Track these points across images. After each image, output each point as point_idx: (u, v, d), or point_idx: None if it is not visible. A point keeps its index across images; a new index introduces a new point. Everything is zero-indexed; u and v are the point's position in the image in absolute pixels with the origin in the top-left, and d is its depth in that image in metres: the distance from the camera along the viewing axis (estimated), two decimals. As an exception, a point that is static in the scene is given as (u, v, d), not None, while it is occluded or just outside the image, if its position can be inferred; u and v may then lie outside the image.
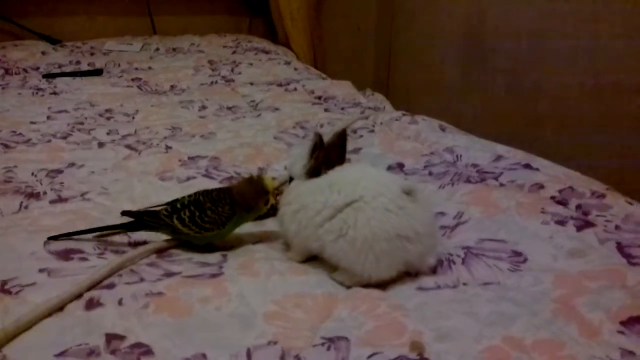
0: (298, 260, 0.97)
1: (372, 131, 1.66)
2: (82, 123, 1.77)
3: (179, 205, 1.00)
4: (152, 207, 1.09)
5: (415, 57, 3.00)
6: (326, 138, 0.99)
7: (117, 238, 1.05)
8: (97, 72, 2.39)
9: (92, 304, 0.82)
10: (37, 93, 2.10)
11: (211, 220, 0.97)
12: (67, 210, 1.16)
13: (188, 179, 1.35)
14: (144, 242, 1.03)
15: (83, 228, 1.07)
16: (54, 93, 2.11)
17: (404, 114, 1.75)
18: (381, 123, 1.72)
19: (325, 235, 0.90)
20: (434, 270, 0.93)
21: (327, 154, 0.97)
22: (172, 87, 2.27)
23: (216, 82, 2.34)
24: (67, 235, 1.02)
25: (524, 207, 1.09)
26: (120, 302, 0.83)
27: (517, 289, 0.86)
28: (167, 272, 0.91)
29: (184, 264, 0.95)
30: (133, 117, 1.85)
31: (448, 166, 1.35)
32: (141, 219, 1.03)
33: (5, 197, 1.21)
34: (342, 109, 1.94)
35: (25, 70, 2.39)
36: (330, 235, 0.89)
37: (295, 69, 2.53)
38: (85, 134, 1.67)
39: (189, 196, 1.02)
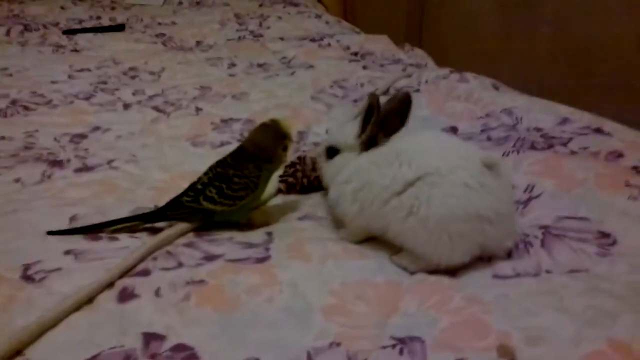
0: (353, 241, 0.86)
1: (418, 90, 1.52)
2: (105, 82, 1.65)
3: (199, 186, 0.89)
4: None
5: (450, 5, 2.81)
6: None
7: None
8: (119, 28, 2.26)
9: (125, 295, 0.72)
10: (57, 50, 1.98)
11: (241, 185, 0.86)
12: (94, 181, 1.06)
13: (222, 144, 1.23)
14: (180, 218, 0.93)
15: (111, 201, 0.97)
16: (75, 50, 1.99)
17: (451, 71, 1.61)
18: (426, 81, 1.58)
19: (391, 213, 0.79)
20: (509, 254, 0.81)
21: (386, 121, 0.85)
22: (198, 42, 2.14)
23: (244, 37, 2.21)
24: (70, 233, 0.87)
25: (605, 179, 0.96)
26: (157, 293, 0.73)
27: (612, 279, 0.75)
28: (208, 255, 0.81)
29: (225, 245, 0.85)
30: (159, 76, 1.73)
31: (508, 130, 1.22)
32: (164, 214, 0.89)
33: (26, 165, 1.11)
34: (382, 66, 1.80)
35: (44, 27, 2.27)
36: (397, 212, 0.78)
37: (327, 23, 2.38)
38: (109, 94, 1.56)
39: (205, 174, 0.91)
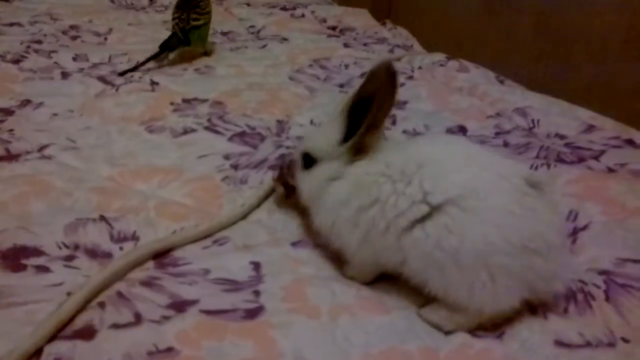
0: (363, 282, 0.66)
1: (411, 77, 1.32)
2: (40, 42, 1.38)
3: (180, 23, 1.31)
4: None
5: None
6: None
7: (94, 228, 0.71)
8: (59, -23, 1.95)
9: (58, 373, 0.49)
10: (-19, -2, 1.67)
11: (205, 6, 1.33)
12: (18, 176, 0.81)
13: (185, 132, 1.00)
14: (134, 237, 0.70)
15: (40, 208, 0.73)
16: (5, 0, 1.68)
17: (448, 58, 1.41)
18: (420, 67, 1.39)
19: (411, 245, 0.59)
20: (565, 308, 0.63)
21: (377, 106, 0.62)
22: (151, 1, 1.87)
23: (204, -1, 1.94)
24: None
25: (662, 209, 0.79)
26: (105, 369, 0.50)
27: None
28: (176, 301, 0.59)
29: (198, 283, 0.63)
30: (105, 38, 1.47)
31: (526, 135, 1.04)
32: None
33: None
34: (365, 45, 1.59)
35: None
36: (420, 245, 0.58)
37: (298, -10, 2.14)
38: (45, 57, 1.29)
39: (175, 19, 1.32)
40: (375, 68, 0.61)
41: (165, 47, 1.30)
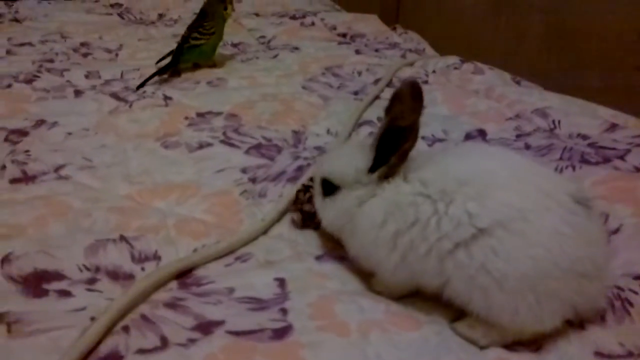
0: (392, 297, 0.64)
1: (426, 82, 1.30)
2: (51, 61, 1.38)
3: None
4: None
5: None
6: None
7: (114, 249, 0.70)
8: (67, -5, 1.97)
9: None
10: (-8, 19, 1.67)
11: (210, 27, 1.34)
12: (36, 198, 0.81)
13: (201, 146, 0.99)
14: (155, 257, 0.69)
15: (60, 229, 0.72)
16: (16, 20, 1.69)
17: (462, 61, 1.40)
18: (434, 71, 1.37)
19: (454, 268, 0.57)
20: (602, 317, 0.61)
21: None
22: (160, 15, 1.87)
23: (213, 11, 1.94)
24: None
25: (695, 209, 0.77)
26: (134, 397, 0.49)
27: None
28: (202, 322, 0.58)
29: (223, 302, 0.61)
30: (116, 54, 1.46)
31: (548, 137, 1.02)
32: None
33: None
34: (377, 50, 1.57)
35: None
36: (464, 268, 0.56)
37: (305, -3, 2.14)
38: (57, 75, 1.28)
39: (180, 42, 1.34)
40: (400, 89, 0.59)
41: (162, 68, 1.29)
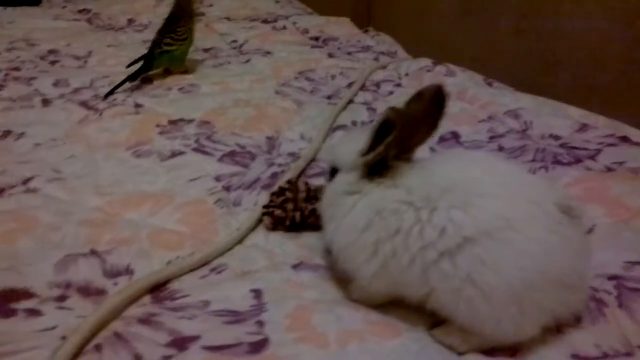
0: (371, 305, 0.63)
1: (399, 85, 1.31)
2: (18, 69, 1.35)
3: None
4: None
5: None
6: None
7: (85, 264, 0.68)
8: (34, 1, 1.92)
9: None
10: (-45, 27, 1.63)
11: (182, 33, 1.33)
12: (4, 211, 0.78)
13: (173, 154, 0.98)
14: (128, 271, 0.68)
15: (29, 245, 0.70)
16: (-22, 27, 1.65)
17: (434, 63, 1.40)
18: (407, 74, 1.37)
19: (438, 278, 0.56)
20: (578, 318, 0.62)
21: (410, 130, 0.59)
22: (129, 21, 1.84)
23: (183, 16, 1.92)
24: None
25: (666, 207, 0.78)
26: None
27: None
28: (177, 337, 0.57)
29: (198, 316, 0.60)
30: (85, 61, 1.44)
31: (520, 138, 1.02)
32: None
33: None
34: (349, 54, 1.57)
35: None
36: (448, 279, 0.55)
37: (277, 2, 2.13)
38: (24, 84, 1.26)
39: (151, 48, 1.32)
40: (424, 89, 0.58)
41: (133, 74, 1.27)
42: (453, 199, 0.56)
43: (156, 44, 1.31)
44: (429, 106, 0.59)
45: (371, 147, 0.60)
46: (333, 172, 0.65)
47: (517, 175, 0.60)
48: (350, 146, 0.63)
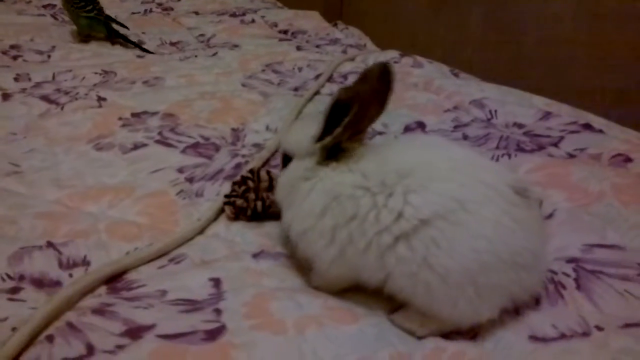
0: (331, 292, 0.63)
1: (366, 76, 1.30)
2: (-22, 64, 1.31)
3: None
4: None
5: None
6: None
7: (40, 256, 0.67)
8: (-3, -4, 1.89)
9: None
10: None
11: None
12: (-42, 206, 0.76)
13: (136, 146, 0.96)
14: (84, 262, 0.66)
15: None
16: (-62, 22, 1.61)
17: (401, 55, 1.40)
18: (374, 66, 1.37)
19: (394, 262, 0.56)
20: (536, 300, 0.62)
21: (361, 110, 0.57)
22: (95, 16, 1.80)
23: (150, 10, 1.91)
24: None
25: (624, 191, 0.79)
26: (55, 409, 0.46)
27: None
28: (131, 327, 0.56)
29: (155, 305, 0.59)
30: (49, 56, 1.41)
31: (485, 127, 1.03)
32: None
33: None
34: (318, 46, 1.57)
35: None
36: (404, 263, 0.55)
37: (246, -4, 2.11)
38: (-17, 79, 1.22)
39: None
40: (370, 68, 0.58)
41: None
42: (409, 183, 0.56)
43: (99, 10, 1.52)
44: (377, 85, 0.58)
45: (325, 131, 0.59)
46: (286, 160, 0.65)
47: (471, 158, 0.60)
48: (303, 132, 0.63)
